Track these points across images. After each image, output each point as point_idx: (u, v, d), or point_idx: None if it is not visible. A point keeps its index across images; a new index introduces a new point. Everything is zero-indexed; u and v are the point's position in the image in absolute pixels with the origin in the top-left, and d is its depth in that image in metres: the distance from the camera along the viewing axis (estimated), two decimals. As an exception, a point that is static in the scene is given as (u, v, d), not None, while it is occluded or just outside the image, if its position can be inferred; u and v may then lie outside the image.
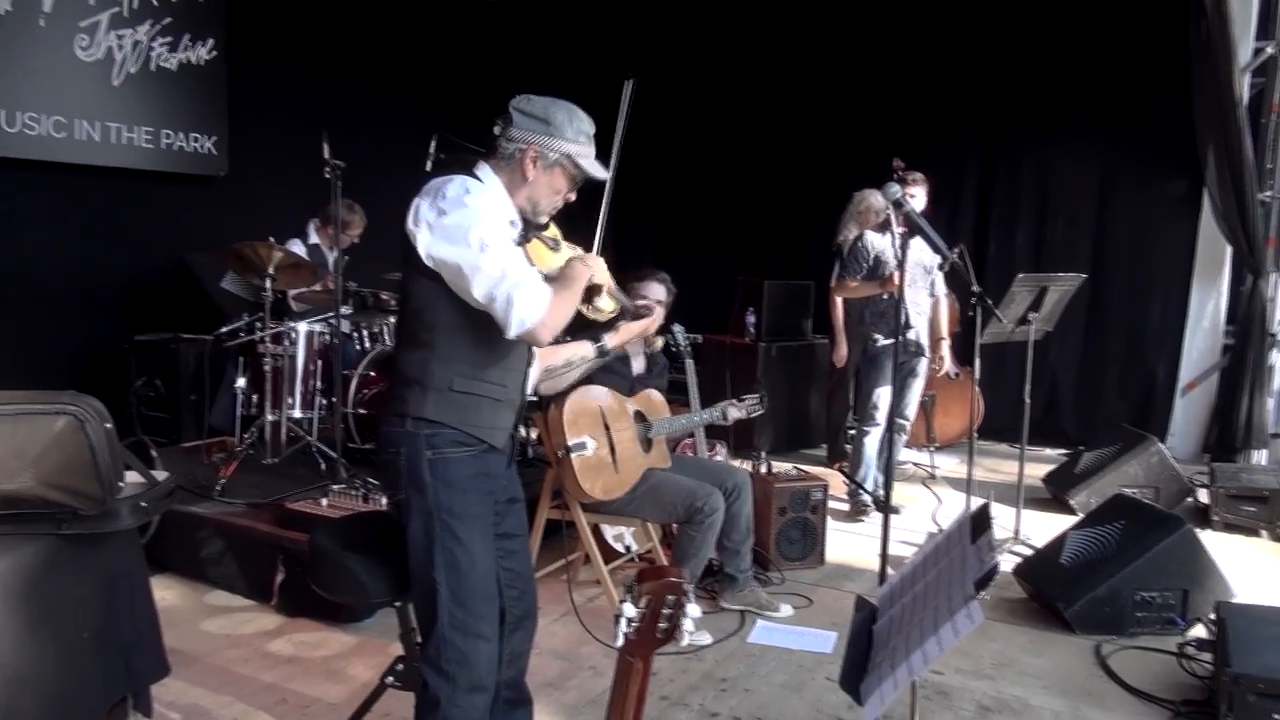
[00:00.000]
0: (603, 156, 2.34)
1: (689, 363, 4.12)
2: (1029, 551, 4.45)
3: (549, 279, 2.24)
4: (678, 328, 4.08)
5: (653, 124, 8.78)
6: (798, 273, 7.90)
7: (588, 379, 3.52)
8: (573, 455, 3.42)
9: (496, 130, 2.25)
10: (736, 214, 8.63)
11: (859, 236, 5.20)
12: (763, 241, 8.49)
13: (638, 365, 3.85)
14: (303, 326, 5.01)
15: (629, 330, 3.21)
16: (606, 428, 3.55)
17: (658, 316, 3.27)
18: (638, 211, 8.70)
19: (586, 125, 2.30)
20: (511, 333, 2.10)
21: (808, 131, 8.17)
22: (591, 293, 2.37)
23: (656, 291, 3.80)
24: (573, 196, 2.34)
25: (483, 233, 2.10)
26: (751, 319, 6.78)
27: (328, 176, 4.60)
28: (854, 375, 5.79)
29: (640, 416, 3.73)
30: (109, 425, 2.42)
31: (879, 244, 5.09)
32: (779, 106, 8.30)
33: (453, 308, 2.18)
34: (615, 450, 3.56)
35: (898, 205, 4.04)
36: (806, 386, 6.97)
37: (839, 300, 5.52)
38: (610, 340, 3.21)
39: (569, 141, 2.25)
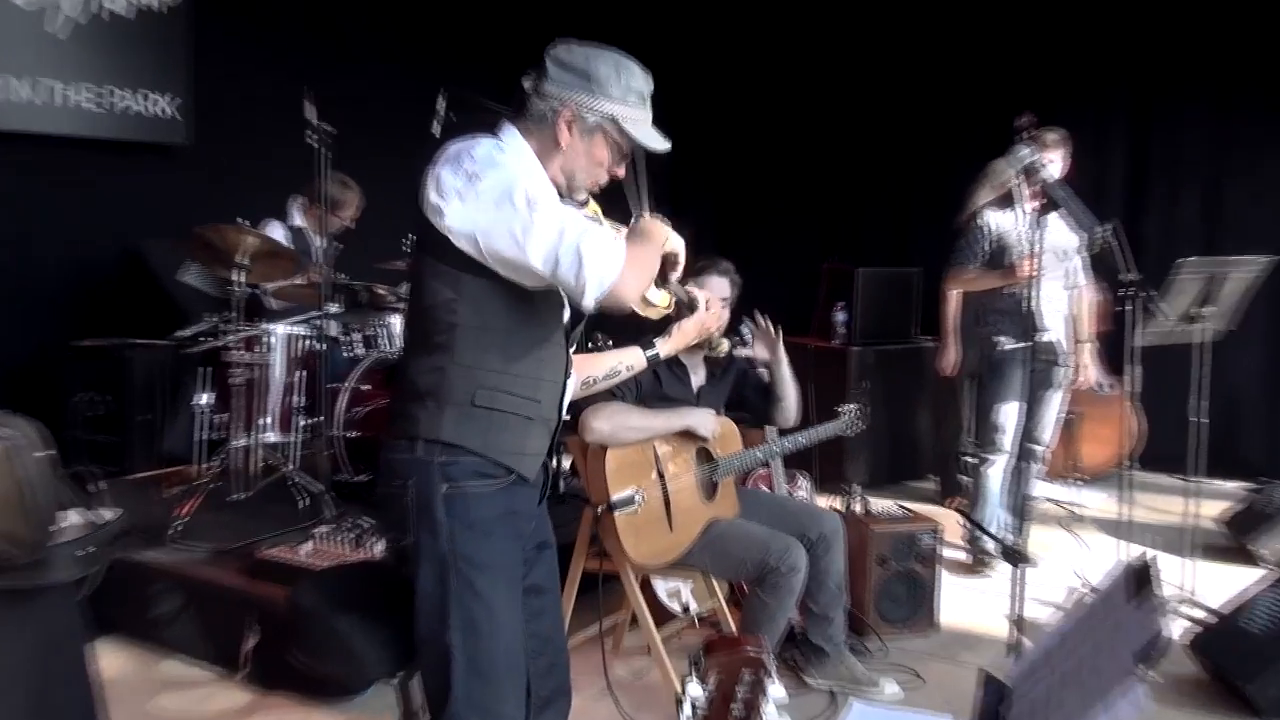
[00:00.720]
0: (663, 123, 2.35)
1: (762, 373, 4.13)
2: (1205, 616, 4.34)
3: None
4: (747, 328, 4.06)
5: (715, 77, 8.80)
6: (900, 258, 7.86)
7: (639, 396, 3.58)
8: (616, 513, 3.44)
9: (527, 85, 2.30)
10: (820, 185, 8.61)
11: (974, 214, 5.17)
12: (854, 220, 8.46)
13: (698, 379, 3.87)
14: (281, 329, 5.06)
15: (686, 332, 3.20)
16: (660, 474, 3.58)
17: (722, 315, 3.26)
18: (695, 184, 8.70)
19: (640, 82, 2.32)
20: (590, 297, 2.12)
21: (913, 82, 8.12)
22: (665, 267, 2.40)
23: (719, 286, 3.80)
24: (620, 171, 2.39)
25: (528, 189, 2.14)
26: (841, 316, 6.77)
27: (314, 145, 4.64)
28: (972, 387, 5.72)
29: (704, 454, 3.76)
30: (47, 452, 2.44)
31: (1001, 222, 5.07)
32: (875, 48, 8.26)
33: (478, 301, 2.23)
34: (670, 502, 3.59)
35: (1029, 173, 3.96)
36: (912, 402, 6.93)
37: (952, 294, 5.46)
38: (664, 346, 3.21)
39: (615, 102, 2.29)
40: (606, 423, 3.45)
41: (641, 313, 2.49)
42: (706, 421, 3.67)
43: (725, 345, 3.45)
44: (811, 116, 8.57)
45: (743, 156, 8.87)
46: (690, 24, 8.75)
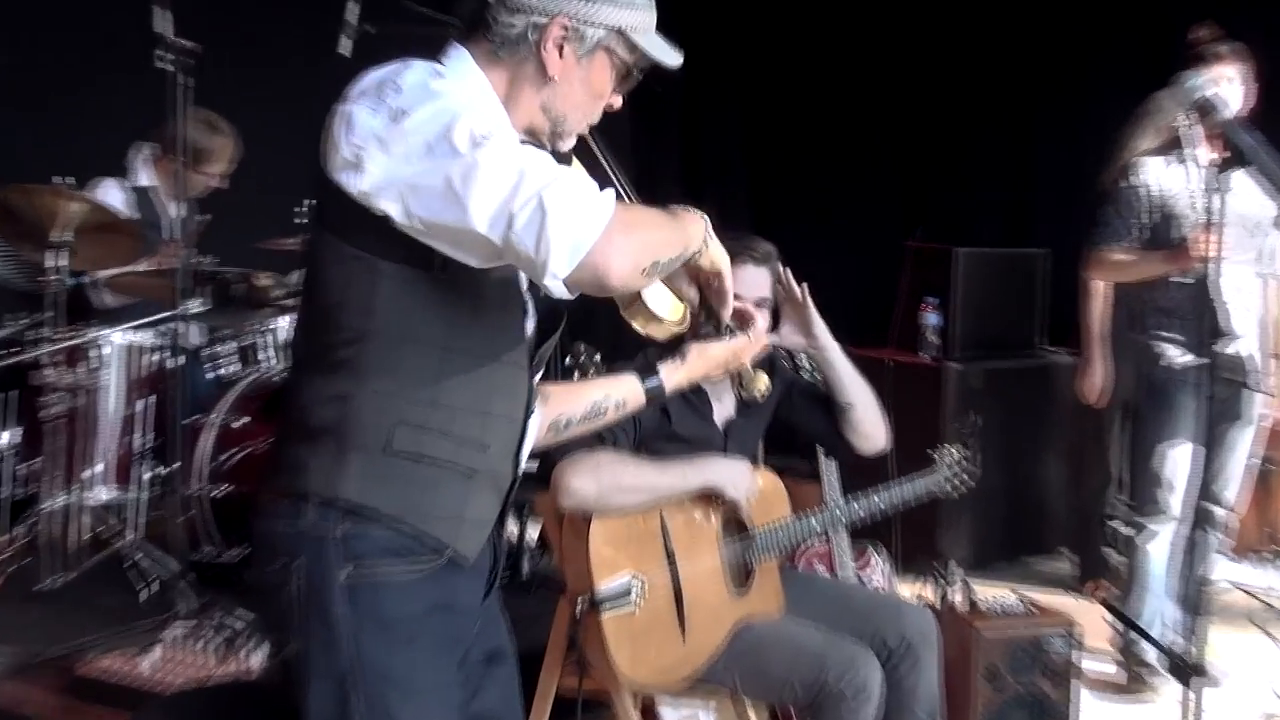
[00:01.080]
0: (667, 30, 2.41)
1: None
2: None
3: None
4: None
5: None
6: (1018, 233, 7.84)
7: (638, 440, 3.61)
8: (604, 610, 3.46)
9: None
10: (899, 125, 8.61)
11: (1126, 169, 5.17)
12: (951, 178, 8.46)
13: (723, 409, 3.89)
14: (118, 336, 5.06)
15: (710, 359, 3.15)
16: (669, 555, 3.60)
17: (761, 334, 3.23)
18: (720, 131, 8.72)
19: None
20: (556, 270, 2.12)
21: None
22: (710, 307, 2.52)
23: (754, 281, 3.77)
24: (618, 102, 2.45)
25: (474, 124, 2.17)
26: (933, 319, 6.75)
27: (167, 69, 4.64)
28: (1126, 422, 5.72)
29: (735, 525, 3.77)
30: None
31: (1165, 182, 5.08)
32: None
33: (401, 301, 2.28)
34: (683, 596, 3.60)
35: (1203, 111, 3.94)
36: (1037, 443, 6.92)
37: (1098, 286, 5.46)
38: (672, 375, 3.15)
39: (623, 7, 2.36)
40: (591, 480, 3.46)
41: (640, 328, 2.54)
42: (738, 477, 3.68)
43: (764, 383, 3.42)
44: (882, 24, 8.58)
45: (784, 81, 8.88)
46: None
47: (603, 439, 3.50)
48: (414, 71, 2.25)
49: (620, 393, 3.01)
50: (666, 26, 2.42)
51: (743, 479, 3.69)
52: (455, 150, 2.13)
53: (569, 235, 2.09)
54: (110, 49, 5.58)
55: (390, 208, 2.18)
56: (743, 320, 2.97)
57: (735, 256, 3.72)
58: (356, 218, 2.22)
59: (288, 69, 5.42)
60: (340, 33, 4.46)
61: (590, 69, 2.36)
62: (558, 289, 2.14)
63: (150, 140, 5.80)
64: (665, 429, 3.71)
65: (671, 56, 2.41)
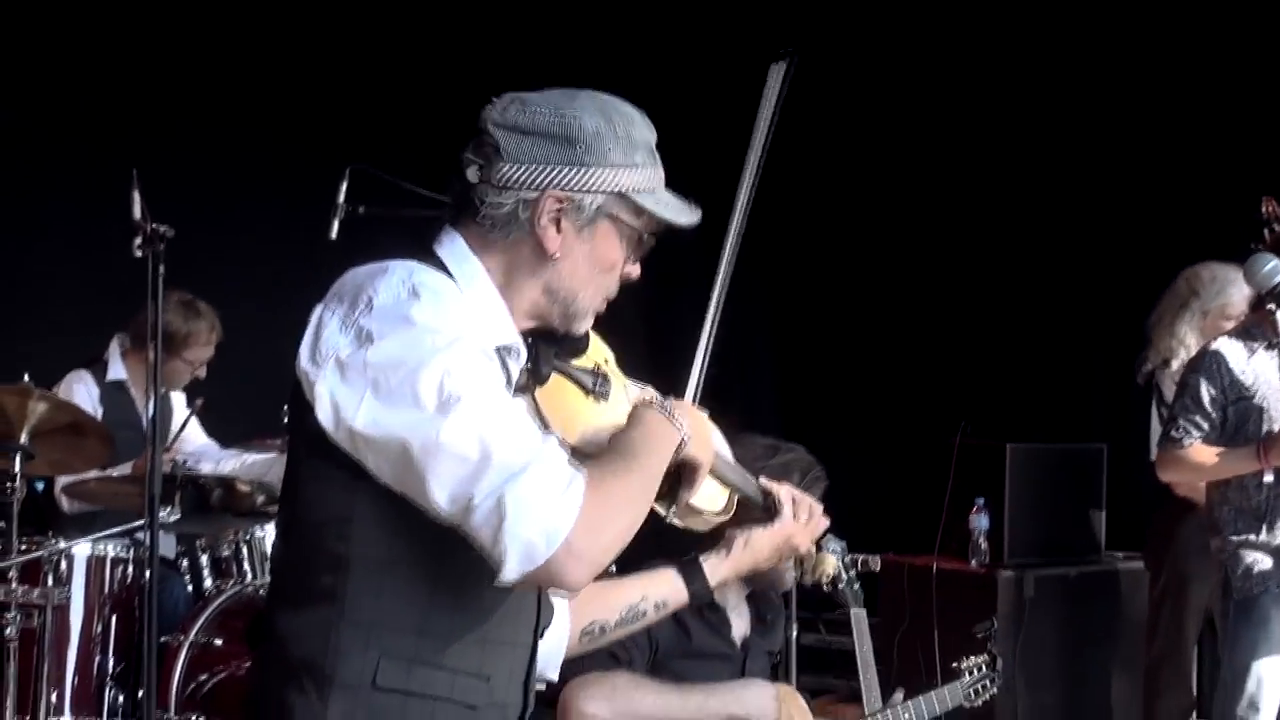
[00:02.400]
0: (679, 184, 2.42)
1: (858, 612, 4.16)
2: None
3: (583, 456, 2.29)
4: (834, 543, 3.96)
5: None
6: (1074, 426, 7.77)
7: (653, 660, 3.56)
8: None
9: (471, 175, 2.35)
10: (936, 313, 8.62)
11: (1201, 356, 5.12)
12: (994, 368, 8.42)
13: (741, 625, 3.87)
14: (82, 549, 5.01)
15: (759, 549, 3.07)
16: None
17: (817, 513, 3.17)
18: (744, 317, 8.68)
19: (641, 128, 2.39)
20: (510, 571, 2.15)
21: (1092, 147, 8.16)
22: (683, 477, 2.46)
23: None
24: (636, 271, 2.46)
25: (445, 369, 2.17)
26: (982, 522, 6.63)
27: (140, 255, 4.62)
28: (1207, 635, 5.61)
29: None
30: None
31: (1249, 364, 5.05)
32: (1020, 102, 8.34)
33: (383, 522, 2.26)
34: None
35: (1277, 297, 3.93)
36: (1101, 660, 6.75)
37: (1177, 485, 5.38)
38: (719, 567, 3.08)
39: (619, 167, 2.35)
40: (606, 707, 3.37)
41: (678, 521, 2.53)
42: (764, 705, 3.60)
43: (832, 564, 3.35)
44: (918, 201, 8.62)
45: (814, 264, 8.93)
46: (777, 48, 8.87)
47: (616, 658, 3.41)
48: (390, 284, 2.23)
49: (660, 592, 3.02)
50: (681, 186, 2.39)
51: (769, 706, 3.59)
52: (418, 403, 2.13)
53: (526, 544, 2.11)
54: (81, 233, 5.60)
55: (342, 442, 2.19)
56: (800, 508, 2.94)
57: (774, 458, 3.68)
58: (327, 435, 2.21)
59: (274, 253, 5.42)
60: (331, 214, 4.46)
61: (595, 241, 2.35)
62: (511, 579, 2.16)
63: (125, 331, 5.84)
64: (684, 646, 3.63)
65: (686, 215, 2.40)
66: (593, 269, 2.37)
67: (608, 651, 3.28)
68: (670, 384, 2.60)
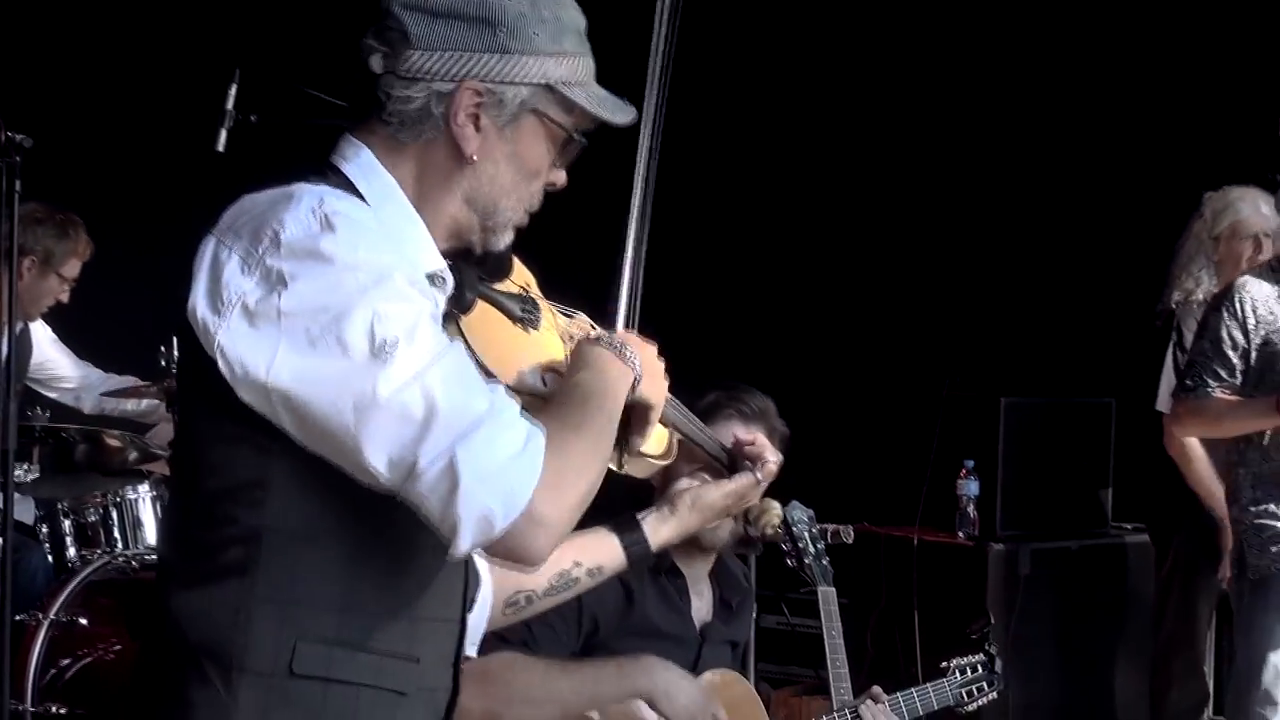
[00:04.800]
0: (613, 81, 2.44)
1: (825, 590, 4.19)
2: None
3: (528, 397, 2.37)
4: (799, 510, 4.06)
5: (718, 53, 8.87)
6: (1078, 378, 7.80)
7: (592, 639, 3.64)
8: None
9: (375, 65, 2.34)
10: (923, 253, 8.65)
11: (1225, 294, 5.17)
12: (987, 315, 8.45)
13: (702, 606, 3.96)
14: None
15: (708, 505, 3.12)
16: None
17: (770, 473, 3.19)
18: (680, 244, 8.69)
19: (572, 12, 2.41)
20: (464, 544, 2.17)
21: (1098, 71, 8.20)
22: (634, 419, 2.51)
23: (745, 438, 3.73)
24: (562, 178, 2.48)
25: (375, 312, 2.18)
26: (971, 487, 6.68)
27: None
28: (1220, 624, 5.66)
29: None
30: None
31: (1275, 305, 5.11)
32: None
33: (300, 489, 2.28)
34: None
35: None
36: (1105, 646, 6.80)
37: (1193, 448, 5.41)
38: (660, 526, 3.13)
39: (546, 55, 2.36)
40: (476, 694, 3.40)
41: (614, 466, 2.52)
42: (674, 689, 3.58)
43: (776, 514, 3.37)
44: (908, 134, 8.64)
45: (783, 183, 8.95)
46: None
47: (505, 640, 3.43)
48: (298, 214, 2.22)
49: (594, 555, 3.07)
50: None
51: (682, 690, 3.57)
52: (346, 353, 2.14)
53: (482, 513, 2.13)
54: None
55: (253, 401, 2.20)
56: (752, 459, 2.98)
57: (719, 411, 3.73)
58: (231, 393, 2.21)
59: (151, 167, 5.37)
60: (218, 123, 4.45)
61: (518, 141, 2.36)
62: (461, 556, 2.21)
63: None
64: (631, 620, 3.71)
65: (621, 112, 2.43)
66: (515, 174, 2.38)
67: (499, 635, 3.28)
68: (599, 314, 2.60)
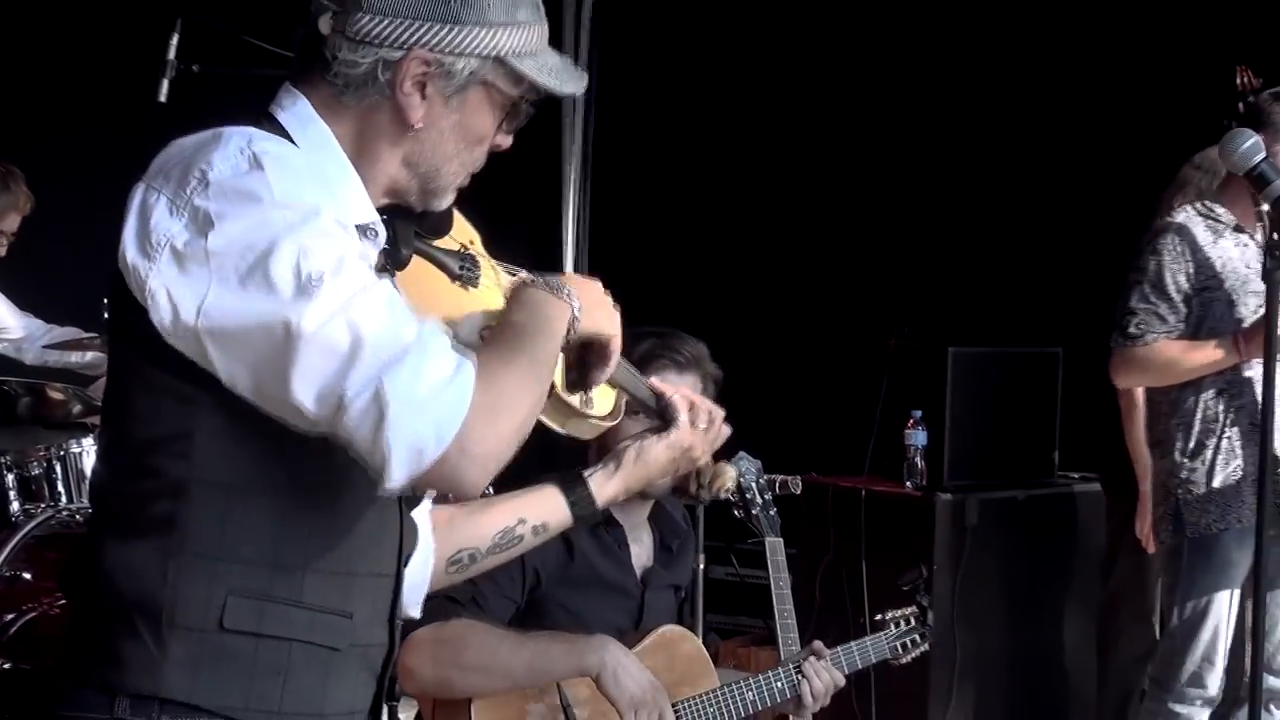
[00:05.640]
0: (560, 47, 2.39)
1: (773, 541, 4.22)
2: None
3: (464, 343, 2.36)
4: (746, 462, 4.12)
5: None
6: (1025, 327, 7.80)
7: (535, 593, 3.67)
8: None
9: (323, 25, 2.34)
10: (873, 191, 8.67)
11: (1162, 232, 5.20)
12: (935, 263, 8.48)
13: (642, 552, 4.00)
14: None
15: (652, 461, 3.09)
16: None
17: (718, 421, 3.20)
18: (630, 195, 8.71)
19: None
20: (395, 476, 2.16)
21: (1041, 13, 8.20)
22: (592, 355, 2.54)
23: (682, 383, 3.74)
24: (506, 142, 2.48)
25: (300, 250, 2.17)
26: (919, 437, 6.71)
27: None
28: (1160, 573, 5.69)
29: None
30: None
31: (1214, 250, 5.12)
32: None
33: (227, 438, 2.28)
34: None
35: (1258, 181, 4.00)
36: (1054, 596, 6.84)
37: (1135, 396, 5.43)
38: (605, 483, 3.09)
39: (501, 27, 2.35)
40: (427, 660, 3.49)
41: (558, 427, 2.59)
42: (623, 671, 3.63)
43: (729, 477, 3.39)
44: (852, 78, 8.65)
45: (723, 125, 8.95)
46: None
47: (458, 601, 3.49)
48: (226, 154, 2.22)
49: (538, 512, 3.02)
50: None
51: (634, 676, 3.63)
52: (274, 289, 2.14)
53: (412, 441, 2.12)
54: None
55: (184, 347, 2.19)
56: (697, 411, 2.96)
57: (653, 361, 3.76)
58: (160, 338, 2.21)
59: (90, 119, 5.33)
60: (159, 72, 4.43)
61: (464, 111, 2.37)
62: (394, 489, 2.18)
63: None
64: (571, 571, 3.75)
65: (571, 82, 2.44)
66: (459, 141, 2.38)
67: (447, 595, 3.33)
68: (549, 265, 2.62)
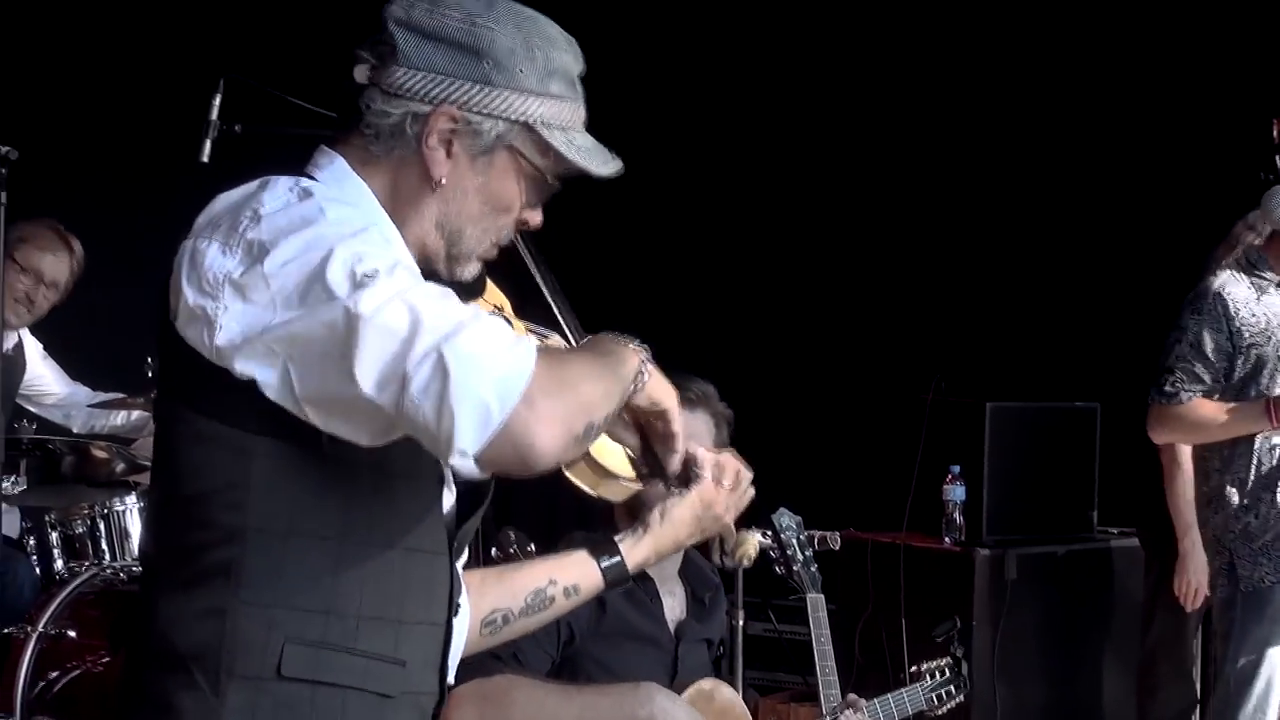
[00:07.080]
0: (603, 131, 2.43)
1: (814, 597, 4.23)
2: None
3: None
4: (787, 517, 4.12)
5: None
6: (1064, 383, 7.76)
7: (569, 648, 3.60)
8: None
9: (360, 74, 2.35)
10: (913, 245, 8.62)
11: (1202, 296, 5.18)
12: (974, 319, 8.45)
13: (675, 605, 3.98)
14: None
15: (680, 523, 3.07)
16: None
17: (743, 481, 3.20)
18: (665, 251, 8.71)
19: (565, 56, 2.40)
20: (467, 441, 2.10)
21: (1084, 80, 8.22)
22: (653, 432, 2.52)
23: (689, 430, 3.72)
24: (537, 219, 2.47)
25: (353, 256, 2.16)
26: (957, 492, 6.69)
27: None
28: (1203, 628, 5.66)
29: None
30: None
31: (1259, 305, 5.10)
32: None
33: (280, 488, 2.27)
34: None
35: None
36: (1092, 651, 6.81)
37: (1180, 454, 5.42)
38: (636, 548, 3.08)
39: (530, 94, 2.35)
40: (474, 718, 3.45)
41: (590, 490, 2.51)
42: (665, 716, 3.62)
43: (753, 545, 3.38)
44: (890, 135, 8.62)
45: (764, 182, 8.91)
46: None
47: (498, 658, 3.46)
48: (275, 192, 2.23)
49: (569, 575, 2.98)
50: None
51: (679, 718, 3.62)
52: (333, 294, 2.11)
53: (478, 401, 2.06)
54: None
55: (256, 372, 2.17)
56: (725, 472, 2.90)
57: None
58: (213, 384, 2.19)
59: (135, 178, 5.37)
60: (202, 133, 4.43)
61: (490, 175, 2.36)
62: (468, 468, 2.11)
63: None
64: (604, 624, 3.73)
65: (602, 163, 2.40)
66: (483, 205, 2.37)
67: (489, 652, 3.24)
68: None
